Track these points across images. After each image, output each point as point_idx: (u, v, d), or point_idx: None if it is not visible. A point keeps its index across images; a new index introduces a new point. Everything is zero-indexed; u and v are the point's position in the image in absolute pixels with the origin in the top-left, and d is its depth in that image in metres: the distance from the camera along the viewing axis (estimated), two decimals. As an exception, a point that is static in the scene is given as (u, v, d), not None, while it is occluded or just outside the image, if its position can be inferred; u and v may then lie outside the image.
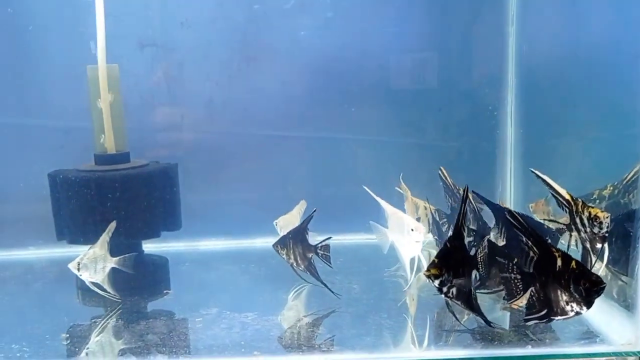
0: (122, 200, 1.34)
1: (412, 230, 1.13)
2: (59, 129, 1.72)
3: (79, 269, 1.21)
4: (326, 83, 1.74)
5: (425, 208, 1.52)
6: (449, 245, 1.03)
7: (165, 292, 1.36)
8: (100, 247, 1.24)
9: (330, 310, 1.22)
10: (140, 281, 1.34)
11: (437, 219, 1.44)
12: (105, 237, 1.26)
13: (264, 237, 1.70)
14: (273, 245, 1.37)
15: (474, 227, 1.35)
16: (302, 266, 1.34)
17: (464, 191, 1.07)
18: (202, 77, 1.73)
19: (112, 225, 1.27)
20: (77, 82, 1.69)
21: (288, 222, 1.43)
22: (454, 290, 1.03)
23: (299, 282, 1.36)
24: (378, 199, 1.34)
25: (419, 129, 1.77)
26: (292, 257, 1.35)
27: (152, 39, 1.72)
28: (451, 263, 1.01)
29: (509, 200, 1.75)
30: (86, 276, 1.22)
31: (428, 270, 1.02)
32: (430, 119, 1.77)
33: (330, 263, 1.33)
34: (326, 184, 1.76)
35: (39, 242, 1.73)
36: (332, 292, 1.28)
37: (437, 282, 1.01)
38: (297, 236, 1.34)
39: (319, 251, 1.33)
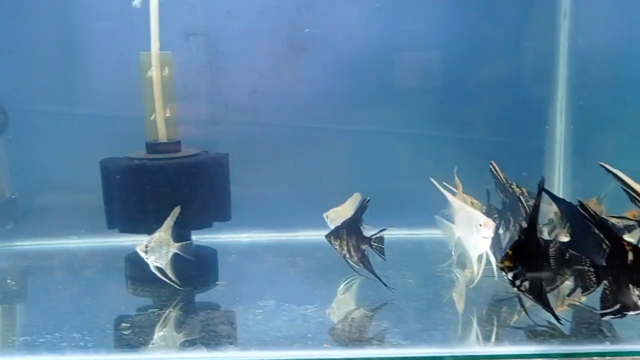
0: (176, 189, 1.32)
1: (481, 225, 1.11)
2: (105, 117, 1.75)
3: (146, 252, 1.19)
4: (373, 75, 1.71)
5: (472, 204, 1.51)
6: (522, 237, 1.02)
7: (217, 283, 1.34)
8: (165, 231, 1.23)
9: (389, 304, 1.19)
10: (191, 272, 1.31)
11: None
12: (169, 222, 1.24)
13: (306, 230, 1.72)
14: (326, 236, 1.35)
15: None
16: (356, 258, 1.32)
17: (539, 184, 1.04)
18: (247, 67, 1.73)
19: (177, 209, 1.25)
20: (124, 70, 1.75)
21: (340, 214, 1.40)
22: (526, 283, 1.01)
23: (349, 275, 1.33)
24: (446, 193, 1.31)
25: (465, 123, 1.75)
26: (345, 248, 1.33)
27: (197, 28, 1.73)
28: (525, 256, 0.99)
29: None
30: (152, 260, 1.20)
31: (502, 262, 0.99)
32: (477, 113, 1.76)
33: (384, 255, 1.31)
34: (370, 178, 1.73)
35: (81, 231, 1.73)
36: (386, 285, 1.26)
37: (510, 275, 0.99)
38: (351, 227, 1.32)
39: (373, 243, 1.31)
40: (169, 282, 1.24)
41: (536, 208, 1.02)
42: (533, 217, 1.02)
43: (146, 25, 1.67)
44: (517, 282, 0.99)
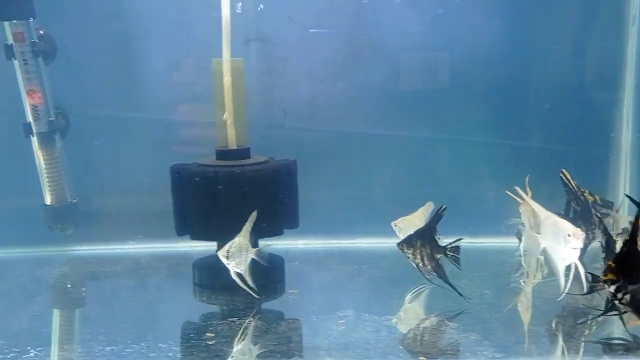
0: (248, 196, 1.31)
1: (570, 235, 1.09)
2: (163, 122, 1.75)
3: (227, 257, 1.19)
4: (432, 81, 1.70)
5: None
6: (625, 249, 1.00)
7: (289, 291, 1.34)
8: (244, 237, 1.22)
9: (471, 314, 1.17)
10: (259, 279, 1.28)
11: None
12: (247, 227, 1.23)
13: (364, 238, 1.71)
14: (398, 244, 1.33)
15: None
16: (429, 267, 1.30)
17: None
18: (306, 73, 1.73)
19: (254, 214, 1.23)
20: (180, 75, 1.74)
21: (410, 223, 1.38)
22: (627, 296, 0.99)
23: (418, 284, 1.32)
24: (531, 202, 1.27)
25: (525, 130, 1.73)
26: (418, 257, 1.31)
27: (257, 33, 1.74)
28: (627, 268, 0.98)
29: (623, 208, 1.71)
30: (232, 265, 1.19)
31: (605, 274, 0.98)
32: (538, 119, 1.74)
33: (459, 265, 1.30)
34: (427, 185, 1.72)
35: (138, 236, 1.74)
36: (462, 295, 1.24)
37: (613, 288, 0.98)
38: (425, 236, 1.30)
39: (448, 252, 1.29)
40: (246, 289, 1.23)
41: (637, 219, 1.01)
42: (634, 230, 1.01)
43: (204, 31, 1.75)
44: (619, 295, 0.98)
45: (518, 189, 1.31)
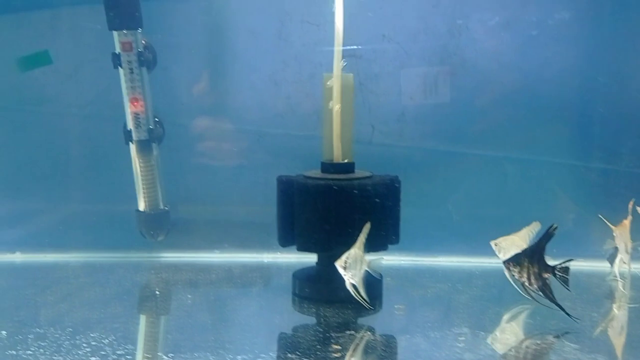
0: (356, 209, 1.33)
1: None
2: (253, 133, 1.78)
3: (345, 268, 1.20)
4: (523, 101, 1.71)
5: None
6: None
7: (396, 306, 1.35)
8: (359, 248, 1.23)
9: (590, 336, 1.18)
10: (342, 292, 1.28)
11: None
12: (362, 239, 1.24)
13: (449, 256, 1.71)
14: (504, 262, 1.33)
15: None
16: (535, 286, 1.31)
17: None
18: (397, 90, 1.76)
19: (368, 226, 1.24)
20: (275, 88, 1.78)
21: (512, 243, 1.39)
22: None
23: (519, 303, 1.32)
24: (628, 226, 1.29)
25: (614, 154, 1.73)
26: (524, 275, 1.31)
27: (351, 50, 1.77)
28: None
29: None
30: (349, 276, 1.21)
31: None
32: (628, 143, 1.75)
33: (568, 286, 1.29)
34: (513, 206, 1.71)
35: (225, 245, 1.77)
36: (569, 315, 1.24)
37: None
38: (534, 255, 1.30)
39: (557, 272, 1.30)
40: (360, 300, 1.24)
41: None
42: None
43: (300, 46, 1.78)
44: None
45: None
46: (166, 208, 1.69)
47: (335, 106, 1.38)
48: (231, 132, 1.75)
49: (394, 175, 1.45)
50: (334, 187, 1.32)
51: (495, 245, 1.45)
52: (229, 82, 1.75)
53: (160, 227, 1.68)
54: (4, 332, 1.16)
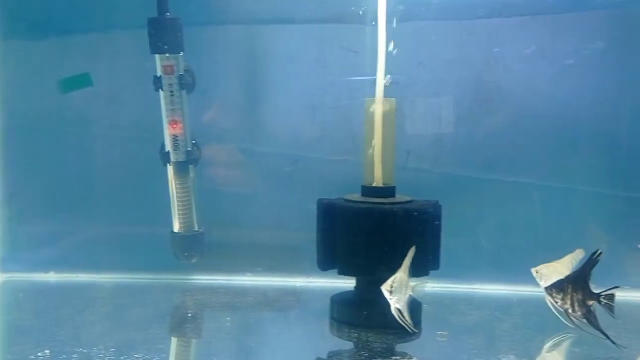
0: (399, 234, 1.33)
1: None
2: (289, 157, 1.79)
3: (390, 292, 1.19)
4: (555, 130, 1.71)
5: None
6: None
7: (439, 333, 1.32)
8: (404, 272, 1.22)
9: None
10: (384, 318, 1.29)
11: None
12: (407, 262, 1.23)
13: (484, 284, 1.69)
14: (546, 288, 1.32)
15: None
16: (579, 313, 1.28)
17: None
18: (431, 116, 1.77)
19: (412, 250, 1.24)
20: (312, 114, 1.80)
21: (554, 270, 1.37)
22: None
23: (562, 331, 1.29)
24: None
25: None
26: (568, 302, 1.29)
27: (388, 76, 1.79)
28: None
29: None
30: (394, 300, 1.20)
31: None
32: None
33: (613, 313, 1.28)
34: (548, 235, 1.68)
35: (258, 269, 1.75)
36: (615, 343, 1.22)
37: None
38: (578, 282, 1.29)
39: (602, 299, 1.28)
40: (404, 325, 1.23)
41: None
42: None
43: (338, 72, 1.80)
44: None
45: None
46: (201, 230, 1.70)
47: (377, 128, 1.39)
48: (267, 156, 1.77)
49: (434, 200, 1.46)
50: (377, 211, 1.34)
51: (537, 272, 1.43)
52: (266, 107, 1.76)
53: (194, 248, 1.67)
54: (47, 352, 1.15)
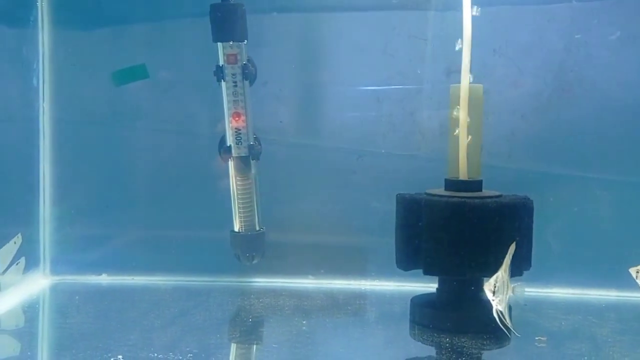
0: (491, 231, 1.22)
1: None
2: (353, 152, 1.69)
3: (494, 293, 1.08)
4: (641, 122, 1.66)
5: None
6: None
7: (537, 339, 1.19)
8: (505, 271, 1.11)
9: None
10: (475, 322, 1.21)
11: None
12: (507, 261, 1.12)
13: (560, 288, 1.57)
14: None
15: None
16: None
17: None
18: (507, 108, 1.65)
19: (513, 247, 1.13)
20: (377, 105, 1.71)
21: (657, 270, 1.30)
22: None
23: None
24: None
25: None
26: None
27: (460, 65, 1.68)
28: None
29: None
30: (496, 302, 1.09)
31: None
32: None
33: None
34: (633, 235, 1.60)
35: (321, 271, 1.62)
36: None
37: None
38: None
39: None
40: (505, 328, 1.12)
41: None
42: None
43: (406, 62, 1.70)
44: None
45: None
46: (262, 229, 1.60)
47: (462, 118, 1.28)
48: (329, 151, 1.67)
49: (523, 195, 1.34)
50: (468, 206, 1.22)
51: (637, 272, 1.34)
52: (329, 99, 1.66)
53: (256, 249, 1.57)
54: (120, 357, 1.06)
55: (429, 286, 1.44)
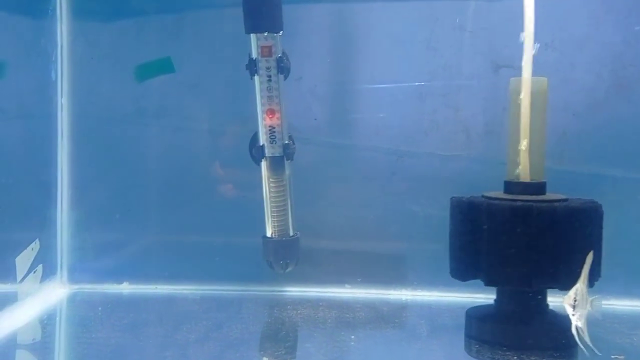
0: (561, 238, 1.10)
1: None
2: (392, 152, 1.59)
3: (574, 307, 0.99)
4: None
5: None
6: None
7: (613, 357, 1.09)
8: (583, 283, 1.01)
9: None
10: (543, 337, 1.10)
11: None
12: (586, 272, 1.02)
13: (619, 299, 1.44)
14: None
15: None
16: None
17: None
18: (559, 105, 1.55)
19: (590, 256, 1.02)
20: (419, 102, 1.60)
21: None
22: None
23: None
24: None
25: None
26: None
27: (509, 59, 1.59)
28: None
29: None
30: (576, 317, 0.99)
31: None
32: None
33: None
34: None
35: (357, 279, 1.51)
36: None
37: None
38: None
39: None
40: (583, 346, 1.02)
41: None
42: None
43: (450, 55, 1.59)
44: None
45: None
46: (297, 234, 1.48)
47: (524, 114, 1.17)
48: (367, 151, 1.56)
49: (589, 199, 1.23)
50: (535, 210, 1.10)
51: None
52: (367, 95, 1.55)
53: (290, 256, 1.45)
54: (158, 377, 0.98)
55: (475, 296, 1.35)
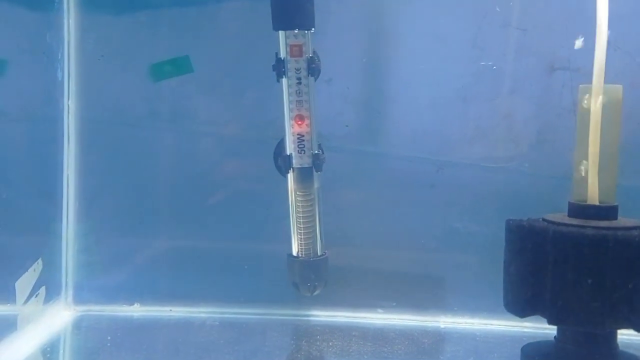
0: (637, 272, 0.99)
1: None
2: (431, 162, 1.45)
3: None
4: None
5: None
6: None
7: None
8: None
9: None
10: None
11: None
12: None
13: None
14: None
15: None
16: None
17: None
18: (622, 113, 1.43)
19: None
20: (463, 107, 1.47)
21: None
22: None
23: None
24: None
25: None
26: None
27: (566, 60, 1.45)
28: None
29: None
30: None
31: None
32: None
33: None
34: None
35: (391, 303, 1.38)
36: None
37: None
38: None
39: None
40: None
41: None
42: None
43: (496, 55, 1.47)
44: None
45: None
46: (326, 253, 1.33)
47: (593, 126, 1.02)
48: (403, 161, 1.42)
49: (664, 224, 1.12)
50: (612, 240, 0.94)
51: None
52: (404, 99, 1.40)
53: (318, 277, 1.31)
54: None
55: (522, 325, 1.24)
